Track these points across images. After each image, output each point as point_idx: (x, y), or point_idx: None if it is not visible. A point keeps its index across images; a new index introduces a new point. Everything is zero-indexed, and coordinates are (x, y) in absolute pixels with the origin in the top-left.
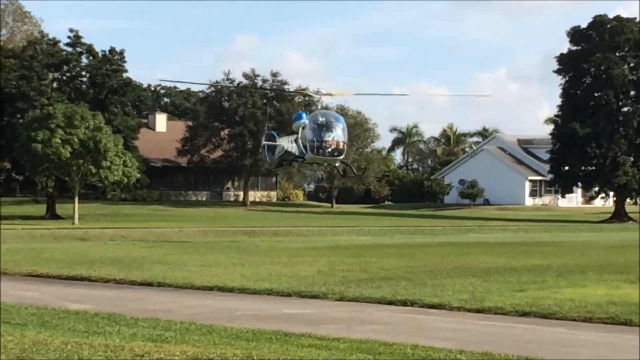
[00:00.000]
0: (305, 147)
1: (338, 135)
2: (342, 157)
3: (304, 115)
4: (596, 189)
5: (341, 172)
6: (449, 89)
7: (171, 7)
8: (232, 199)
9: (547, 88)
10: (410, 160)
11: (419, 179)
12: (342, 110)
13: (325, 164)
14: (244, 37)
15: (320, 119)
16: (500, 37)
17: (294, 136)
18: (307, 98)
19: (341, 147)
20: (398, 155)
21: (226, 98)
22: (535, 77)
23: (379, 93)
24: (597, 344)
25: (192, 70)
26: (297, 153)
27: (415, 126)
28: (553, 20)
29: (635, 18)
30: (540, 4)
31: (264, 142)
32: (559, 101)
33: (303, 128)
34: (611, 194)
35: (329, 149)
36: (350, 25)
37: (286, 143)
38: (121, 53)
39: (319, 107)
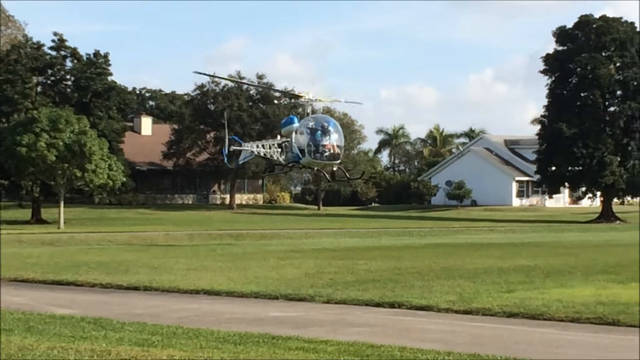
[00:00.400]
0: (302, 151)
1: (335, 139)
2: (338, 161)
3: (296, 120)
4: (583, 189)
5: (328, 177)
6: (437, 90)
7: (156, 9)
8: (218, 202)
9: (533, 88)
10: (397, 161)
11: (406, 181)
12: (328, 112)
13: (319, 168)
14: (232, 39)
15: (317, 124)
16: (486, 38)
17: (270, 141)
18: (293, 101)
19: (338, 151)
20: (385, 157)
21: (211, 101)
22: (522, 77)
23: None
24: (585, 344)
25: (179, 72)
26: (278, 158)
27: (402, 127)
28: (538, 20)
29: (621, 18)
30: (526, 4)
31: (227, 148)
32: (545, 101)
33: (296, 132)
34: (598, 194)
35: (327, 153)
36: (337, 28)
37: (255, 148)
38: (105, 56)
39: (308, 111)
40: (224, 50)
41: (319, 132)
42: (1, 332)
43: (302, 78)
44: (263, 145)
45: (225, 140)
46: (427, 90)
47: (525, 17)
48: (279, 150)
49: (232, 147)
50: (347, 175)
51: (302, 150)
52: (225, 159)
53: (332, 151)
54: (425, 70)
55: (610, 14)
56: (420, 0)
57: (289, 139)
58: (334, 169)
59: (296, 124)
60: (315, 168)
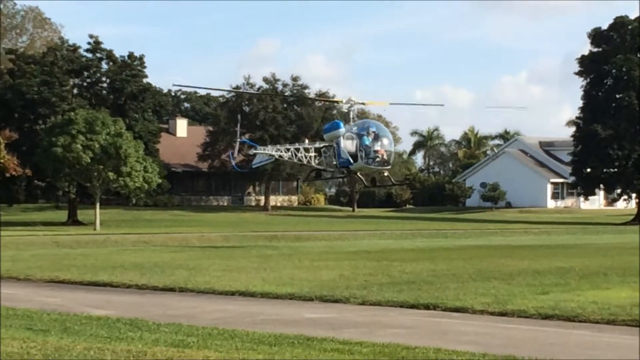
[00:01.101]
0: (353, 156)
1: (387, 145)
2: (389, 166)
3: (342, 125)
4: (618, 190)
5: (365, 183)
6: (471, 92)
7: (191, 12)
8: (253, 203)
9: (568, 90)
10: (431, 163)
11: (441, 183)
12: (363, 114)
13: (368, 174)
14: (264, 41)
15: (368, 129)
16: (520, 40)
17: (304, 144)
18: (326, 103)
19: (390, 157)
20: (419, 159)
21: (247, 102)
22: (556, 79)
23: (412, 103)
24: (620, 347)
25: (213, 75)
26: (310, 162)
27: (436, 129)
28: (573, 22)
29: None
30: (560, 5)
31: (236, 151)
32: (580, 103)
33: (344, 137)
34: (634, 195)
35: (379, 159)
36: (371, 29)
37: (277, 152)
38: (140, 58)
39: (352, 115)
40: (257, 52)
41: (371, 138)
42: (5, 329)
43: (336, 80)
44: (295, 150)
45: (236, 143)
46: (461, 92)
47: (559, 19)
48: (315, 154)
49: (253, 151)
50: (392, 180)
51: (353, 156)
52: (233, 162)
53: (383, 157)
54: (458, 71)
55: None
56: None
57: (329, 144)
58: (385, 174)
59: (342, 129)
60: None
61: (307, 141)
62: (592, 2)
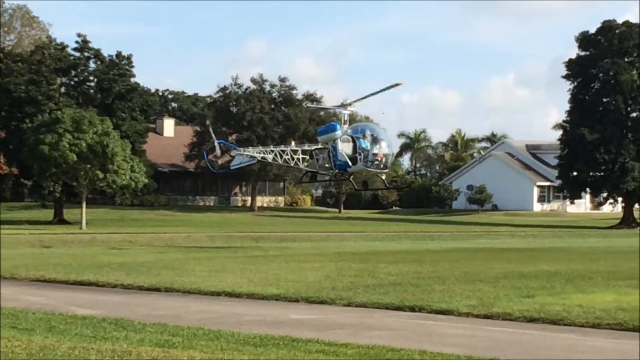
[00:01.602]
0: (352, 159)
1: (385, 148)
2: (387, 170)
3: (338, 127)
4: (605, 194)
5: (355, 186)
6: (458, 94)
7: (179, 11)
8: (239, 204)
9: (554, 93)
10: (418, 165)
11: (427, 185)
12: (350, 116)
13: (364, 176)
14: (253, 42)
15: (369, 132)
16: (508, 42)
17: (291, 147)
18: (315, 103)
19: (388, 160)
20: (406, 161)
21: (234, 103)
22: (543, 82)
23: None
24: (605, 350)
25: (201, 75)
26: (298, 164)
27: (423, 131)
28: (559, 26)
29: None
30: (547, 8)
31: (218, 152)
32: (567, 106)
33: (342, 140)
34: (620, 199)
35: (377, 162)
36: (359, 30)
37: (258, 154)
38: (128, 58)
39: (346, 118)
40: (245, 52)
41: (369, 141)
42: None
43: (323, 81)
44: (280, 152)
45: (215, 144)
46: (449, 94)
47: (544, 21)
48: (303, 157)
49: (234, 152)
50: (386, 184)
51: (351, 159)
52: (208, 164)
53: (382, 160)
54: (446, 73)
55: (633, 19)
56: (439, 0)
57: (323, 146)
58: (383, 177)
59: (339, 132)
60: (355, 176)
61: (293, 143)
62: (579, 5)
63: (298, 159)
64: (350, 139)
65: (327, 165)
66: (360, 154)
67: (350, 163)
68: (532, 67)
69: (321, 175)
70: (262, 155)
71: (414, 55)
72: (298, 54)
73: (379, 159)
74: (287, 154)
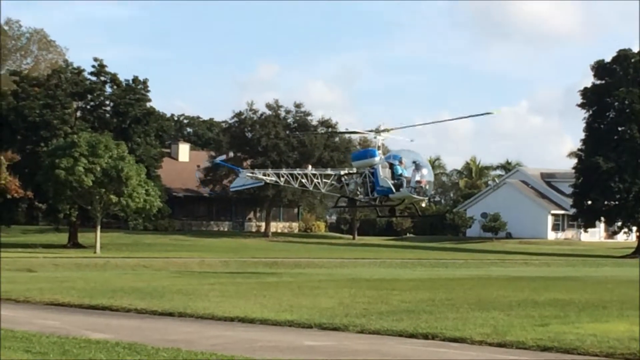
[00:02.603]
0: (396, 185)
1: (427, 175)
2: (427, 197)
3: (377, 153)
4: (619, 223)
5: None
6: (471, 121)
7: (194, 36)
8: (253, 229)
9: (568, 121)
10: (432, 192)
11: (442, 212)
12: (365, 142)
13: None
14: (265, 66)
15: (414, 159)
16: (521, 70)
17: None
18: (330, 129)
19: (430, 187)
20: None
21: (249, 128)
22: (557, 110)
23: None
24: None
25: (216, 99)
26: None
27: (438, 159)
28: (572, 54)
29: None
30: (559, 36)
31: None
32: (582, 135)
33: (383, 166)
34: (634, 228)
35: (420, 189)
36: (373, 55)
37: (265, 177)
38: (144, 82)
39: (379, 144)
40: (259, 77)
41: (412, 168)
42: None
43: (337, 105)
44: (290, 175)
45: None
46: (463, 121)
47: (557, 49)
48: (326, 181)
49: (246, 174)
50: (418, 212)
51: (395, 185)
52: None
53: (424, 187)
54: (459, 99)
55: None
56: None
57: (359, 171)
58: (423, 204)
59: (378, 157)
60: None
61: (310, 167)
62: (592, 32)
63: (317, 182)
64: (388, 165)
65: (360, 190)
66: (402, 180)
67: (393, 189)
68: (545, 94)
69: (352, 200)
70: (270, 178)
71: (426, 81)
72: (310, 79)
73: (423, 185)
74: (304, 178)
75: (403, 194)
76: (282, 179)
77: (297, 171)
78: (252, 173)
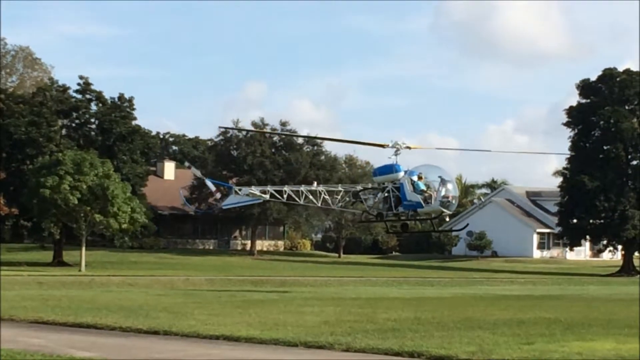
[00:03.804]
0: (425, 200)
1: (452, 190)
2: (452, 212)
3: (401, 168)
4: (604, 242)
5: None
6: (457, 141)
7: (180, 55)
8: (239, 247)
9: (554, 140)
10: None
11: (427, 230)
12: (350, 160)
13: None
14: (252, 84)
15: (439, 174)
16: (506, 89)
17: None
18: (315, 148)
19: (455, 202)
20: None
21: (235, 146)
22: (542, 129)
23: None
24: None
25: (201, 118)
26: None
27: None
28: (558, 72)
29: None
30: (544, 55)
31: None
32: (567, 153)
33: (409, 181)
34: (619, 247)
35: (448, 203)
36: (358, 75)
37: (258, 193)
38: (130, 100)
39: (398, 160)
40: (245, 96)
41: (439, 183)
42: None
43: (323, 125)
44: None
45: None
46: (448, 140)
47: (543, 70)
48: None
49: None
50: (435, 227)
51: (425, 199)
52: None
53: (451, 201)
54: (444, 119)
55: (634, 67)
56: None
57: (383, 186)
58: (447, 219)
59: (402, 172)
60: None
61: (315, 183)
62: (577, 51)
63: (327, 199)
64: (411, 180)
65: (381, 206)
66: (430, 196)
67: (423, 203)
68: (530, 113)
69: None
70: (268, 195)
71: (413, 101)
72: (297, 98)
73: (449, 199)
74: (313, 194)
75: (433, 208)
76: (284, 195)
77: (302, 187)
78: (252, 190)
